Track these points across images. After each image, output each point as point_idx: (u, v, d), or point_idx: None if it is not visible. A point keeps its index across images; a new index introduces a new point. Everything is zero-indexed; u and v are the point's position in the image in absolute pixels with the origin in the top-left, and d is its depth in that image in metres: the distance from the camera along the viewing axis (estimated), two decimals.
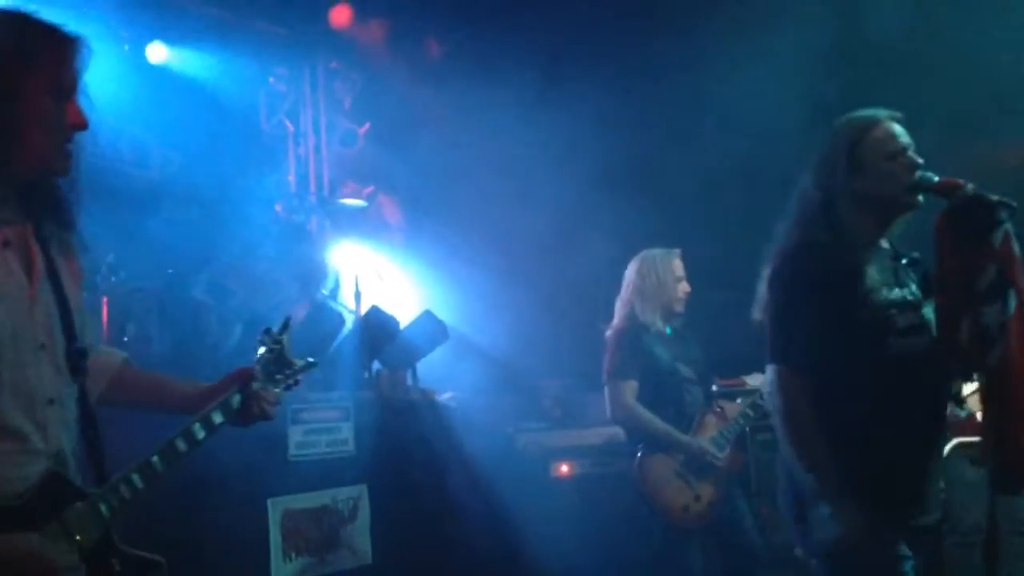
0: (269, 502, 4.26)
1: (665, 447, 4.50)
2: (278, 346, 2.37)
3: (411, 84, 7.20)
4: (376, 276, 6.07)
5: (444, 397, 5.35)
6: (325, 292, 5.62)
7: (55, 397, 1.95)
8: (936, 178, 2.68)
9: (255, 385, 2.29)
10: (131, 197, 5.54)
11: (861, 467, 2.62)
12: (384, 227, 7.32)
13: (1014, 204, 2.55)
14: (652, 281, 4.64)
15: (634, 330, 4.63)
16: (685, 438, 4.49)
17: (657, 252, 4.72)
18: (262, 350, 2.36)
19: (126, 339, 4.87)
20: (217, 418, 2.21)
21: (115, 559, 2.00)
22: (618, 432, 5.77)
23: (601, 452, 5.75)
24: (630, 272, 4.72)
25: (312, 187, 7.22)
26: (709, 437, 4.51)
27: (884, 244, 2.84)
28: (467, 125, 6.83)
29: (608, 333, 4.74)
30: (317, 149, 7.33)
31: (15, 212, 1.95)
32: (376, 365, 5.04)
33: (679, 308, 4.68)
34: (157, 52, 6.67)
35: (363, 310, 5.22)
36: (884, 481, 2.63)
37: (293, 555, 4.24)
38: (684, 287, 4.68)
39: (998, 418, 2.57)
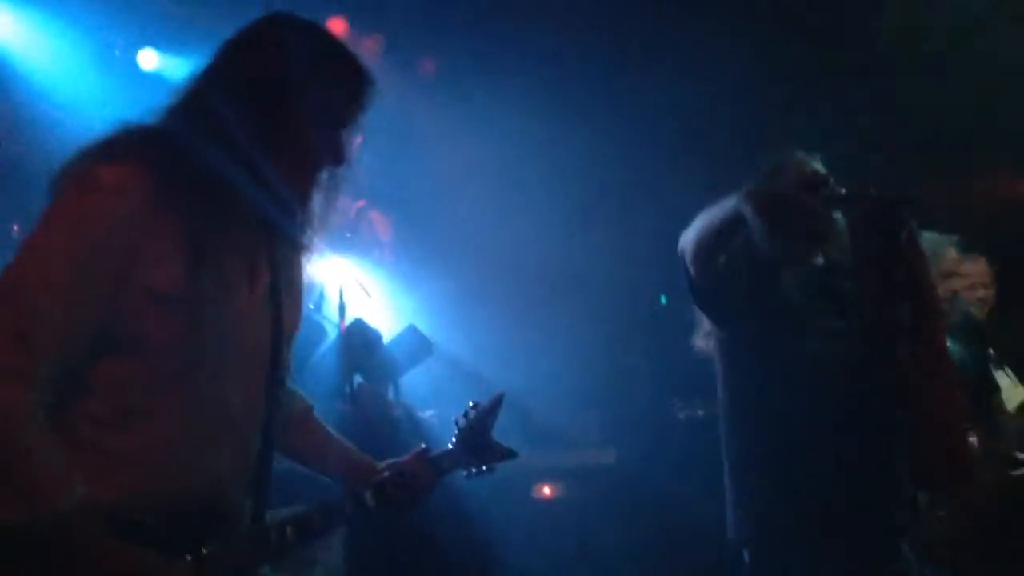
0: None
1: None
2: (481, 425, 2.22)
3: (405, 98, 7.16)
4: (362, 290, 5.99)
5: (426, 414, 5.27)
6: (310, 305, 5.54)
7: (255, 416, 1.82)
8: (842, 190, 2.69)
9: (444, 465, 2.19)
10: None
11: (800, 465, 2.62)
12: (374, 242, 7.25)
13: (914, 198, 2.59)
14: None
15: None
16: None
17: None
18: (463, 424, 2.21)
19: None
20: (368, 500, 2.10)
21: None
22: (605, 453, 5.73)
23: (586, 474, 5.68)
24: None
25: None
26: None
27: (819, 260, 2.88)
28: (464, 139, 6.80)
29: None
30: None
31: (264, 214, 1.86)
32: (357, 379, 4.96)
33: None
34: (148, 59, 6.63)
35: (347, 323, 5.14)
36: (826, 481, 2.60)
37: None
38: None
39: (911, 414, 2.59)
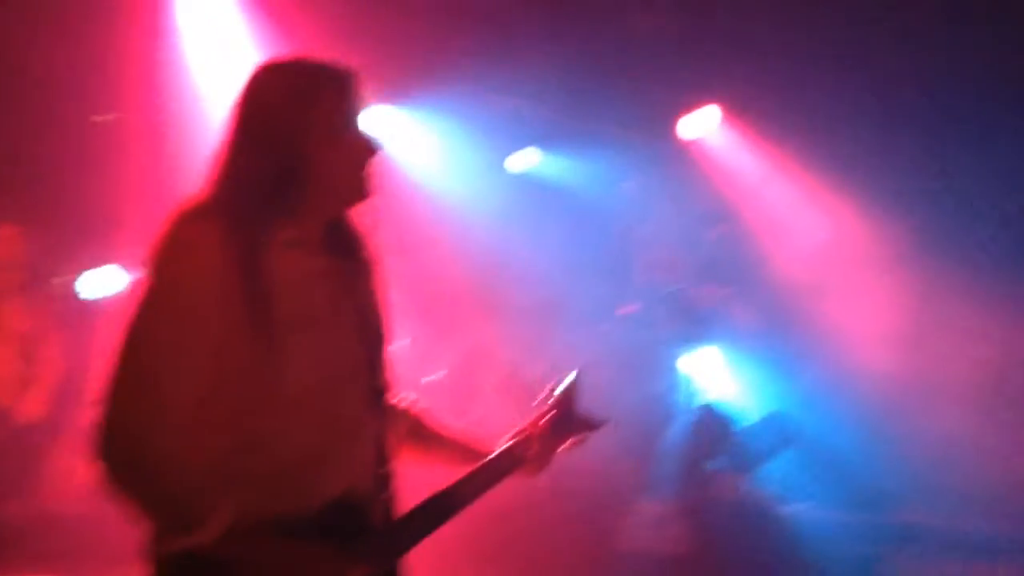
0: None
1: None
2: (569, 400, 2.25)
3: (766, 184, 6.98)
4: (722, 375, 5.80)
5: (786, 509, 4.89)
6: (664, 387, 5.46)
7: (358, 426, 1.94)
8: None
9: (541, 438, 2.21)
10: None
11: None
12: (738, 329, 7.04)
13: None
14: None
15: None
16: None
17: None
18: (554, 400, 2.25)
19: None
20: (504, 466, 2.16)
21: None
22: None
23: None
24: None
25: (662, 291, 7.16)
26: None
27: None
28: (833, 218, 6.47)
29: None
30: (667, 252, 7.28)
31: (324, 244, 1.98)
32: (711, 465, 4.75)
33: None
34: (526, 159, 7.08)
35: (699, 407, 4.98)
36: None
37: None
38: None
39: None
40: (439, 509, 2.02)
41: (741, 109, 6.68)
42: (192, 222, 1.81)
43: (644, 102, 6.77)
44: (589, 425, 2.27)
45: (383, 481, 1.98)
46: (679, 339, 6.21)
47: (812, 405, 5.55)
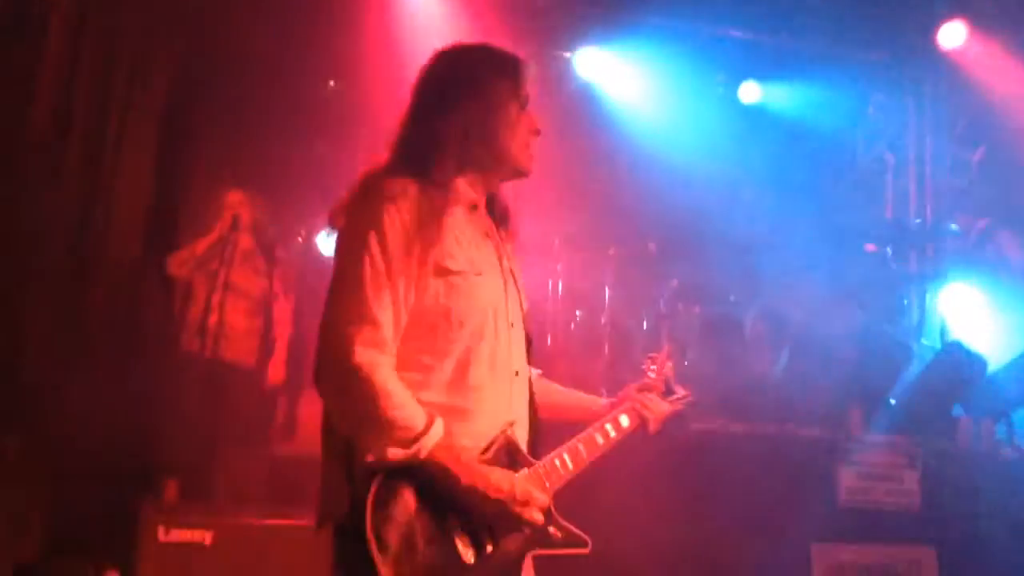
0: (814, 548, 3.92)
1: None
2: (666, 374, 2.48)
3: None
4: (974, 313, 5.28)
5: None
6: (906, 326, 5.05)
7: (520, 371, 2.18)
8: None
9: (652, 402, 2.44)
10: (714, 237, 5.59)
11: None
12: (1002, 264, 6.36)
13: None
14: None
15: None
16: None
17: None
18: (654, 375, 2.49)
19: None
20: (624, 421, 2.38)
21: (553, 527, 2.10)
22: None
23: None
24: None
25: (914, 222, 6.60)
26: None
27: None
28: None
29: None
30: (920, 180, 6.68)
31: (487, 211, 2.24)
32: (957, 410, 4.34)
33: None
34: (750, 91, 6.75)
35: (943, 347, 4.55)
36: None
37: None
38: None
39: None
40: (576, 456, 2.22)
41: (992, 21, 5.96)
42: (389, 176, 2.07)
43: (886, 18, 6.22)
44: (685, 397, 2.50)
45: (534, 422, 2.21)
46: (926, 276, 5.73)
47: None
